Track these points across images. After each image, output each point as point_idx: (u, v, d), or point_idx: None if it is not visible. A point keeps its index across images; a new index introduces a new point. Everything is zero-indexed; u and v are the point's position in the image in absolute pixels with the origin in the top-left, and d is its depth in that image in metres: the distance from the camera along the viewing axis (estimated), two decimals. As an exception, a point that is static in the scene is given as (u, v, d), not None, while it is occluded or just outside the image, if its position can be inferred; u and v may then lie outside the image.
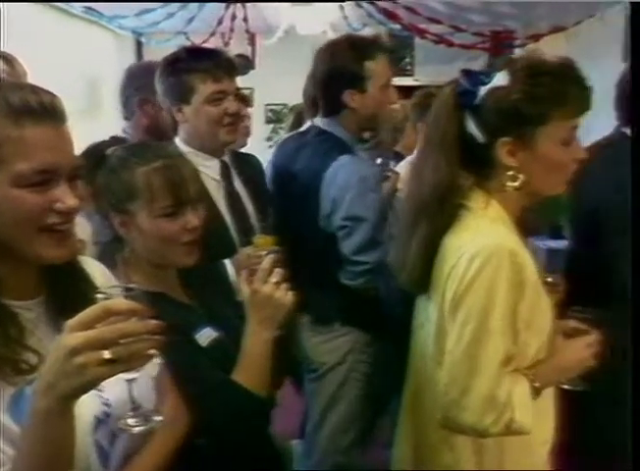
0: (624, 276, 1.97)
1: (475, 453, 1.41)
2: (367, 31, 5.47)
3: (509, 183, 1.33)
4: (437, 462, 1.46)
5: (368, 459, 2.40)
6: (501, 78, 1.29)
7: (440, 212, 1.35)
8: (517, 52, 6.35)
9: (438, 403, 1.35)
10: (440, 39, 5.00)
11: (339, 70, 2.05)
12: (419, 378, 1.52)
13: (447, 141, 1.34)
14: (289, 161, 2.19)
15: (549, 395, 1.46)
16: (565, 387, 1.49)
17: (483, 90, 1.30)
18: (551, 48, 6.11)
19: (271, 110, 7.03)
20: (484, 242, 1.28)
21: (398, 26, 4.94)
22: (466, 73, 1.33)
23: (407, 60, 7.16)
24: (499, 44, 5.64)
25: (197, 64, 1.86)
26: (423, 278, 1.39)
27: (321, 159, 2.03)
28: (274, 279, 1.37)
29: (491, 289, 1.25)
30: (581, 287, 2.04)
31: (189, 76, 1.85)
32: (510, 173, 1.32)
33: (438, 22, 4.71)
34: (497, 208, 1.36)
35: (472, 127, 1.32)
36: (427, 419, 1.46)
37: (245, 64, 6.77)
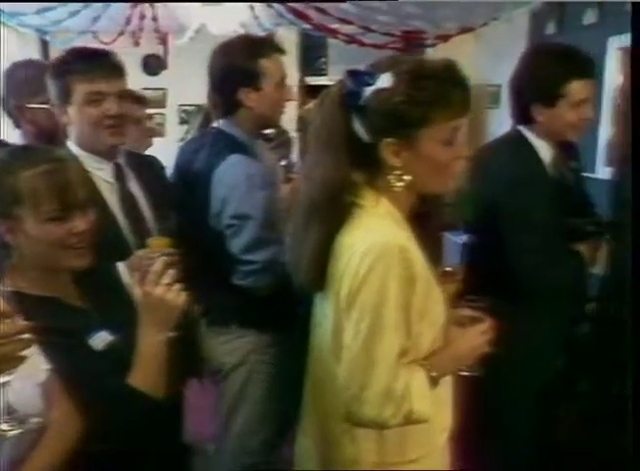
0: (520, 266, 2.06)
1: (377, 443, 1.45)
2: (279, 31, 5.50)
3: (395, 183, 1.36)
4: (340, 454, 1.49)
5: (285, 459, 2.41)
6: (384, 80, 1.31)
7: (331, 211, 1.37)
8: (428, 51, 6.53)
9: (339, 399, 1.38)
10: (351, 39, 5.06)
11: (233, 68, 2.06)
12: (319, 374, 1.54)
13: (334, 141, 1.36)
14: (188, 162, 2.18)
15: (447, 383, 1.51)
16: (464, 373, 1.55)
17: (368, 91, 1.32)
18: (460, 48, 6.32)
19: (184, 111, 6.93)
20: (375, 240, 1.31)
21: (309, 27, 4.97)
22: (351, 73, 1.34)
23: (323, 60, 7.21)
24: (409, 44, 5.75)
25: (77, 65, 1.85)
26: (319, 276, 1.41)
27: (214, 159, 2.04)
28: (166, 280, 1.37)
29: (383, 286, 1.28)
30: (482, 277, 2.13)
31: (70, 77, 1.84)
32: (396, 172, 1.35)
33: (348, 22, 4.77)
34: (387, 205, 1.39)
35: (358, 126, 1.34)
36: (329, 413, 1.49)
37: (158, 64, 6.68)
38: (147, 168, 2.07)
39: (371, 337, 1.29)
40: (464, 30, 5.55)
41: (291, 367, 1.81)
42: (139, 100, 3.06)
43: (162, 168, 2.20)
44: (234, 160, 2.02)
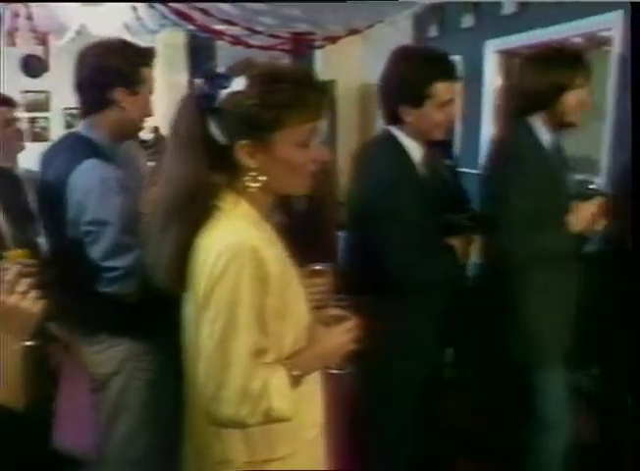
0: (391, 265, 2.12)
1: (244, 443, 1.46)
2: (165, 32, 5.42)
3: (251, 184, 1.38)
4: (212, 456, 1.50)
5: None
6: (238, 83, 1.33)
7: (190, 212, 1.37)
8: (317, 53, 6.61)
9: (200, 398, 1.38)
10: (237, 41, 5.05)
11: (113, 67, 2.00)
12: (191, 376, 1.53)
13: (192, 143, 1.36)
14: (46, 169, 2.11)
15: (315, 381, 1.54)
16: (332, 371, 1.58)
17: (222, 94, 1.33)
18: (348, 49, 6.43)
19: (70, 114, 6.70)
20: (229, 240, 1.32)
21: (194, 28, 4.92)
22: (208, 76, 1.36)
23: (213, 61, 7.15)
24: (297, 46, 5.79)
25: None
26: (178, 277, 1.41)
27: (69, 164, 1.98)
28: (20, 289, 1.33)
29: (235, 286, 1.30)
30: (359, 276, 2.18)
31: None
32: (251, 174, 1.37)
33: (232, 23, 4.75)
34: (245, 207, 1.40)
35: (214, 129, 1.36)
36: (199, 415, 1.48)
37: (39, 65, 6.43)
38: (4, 181, 1.98)
39: (225, 336, 1.31)
40: (351, 32, 5.64)
41: (170, 372, 1.80)
42: (6, 102, 2.95)
43: (18, 179, 2.12)
44: (88, 164, 1.97)
